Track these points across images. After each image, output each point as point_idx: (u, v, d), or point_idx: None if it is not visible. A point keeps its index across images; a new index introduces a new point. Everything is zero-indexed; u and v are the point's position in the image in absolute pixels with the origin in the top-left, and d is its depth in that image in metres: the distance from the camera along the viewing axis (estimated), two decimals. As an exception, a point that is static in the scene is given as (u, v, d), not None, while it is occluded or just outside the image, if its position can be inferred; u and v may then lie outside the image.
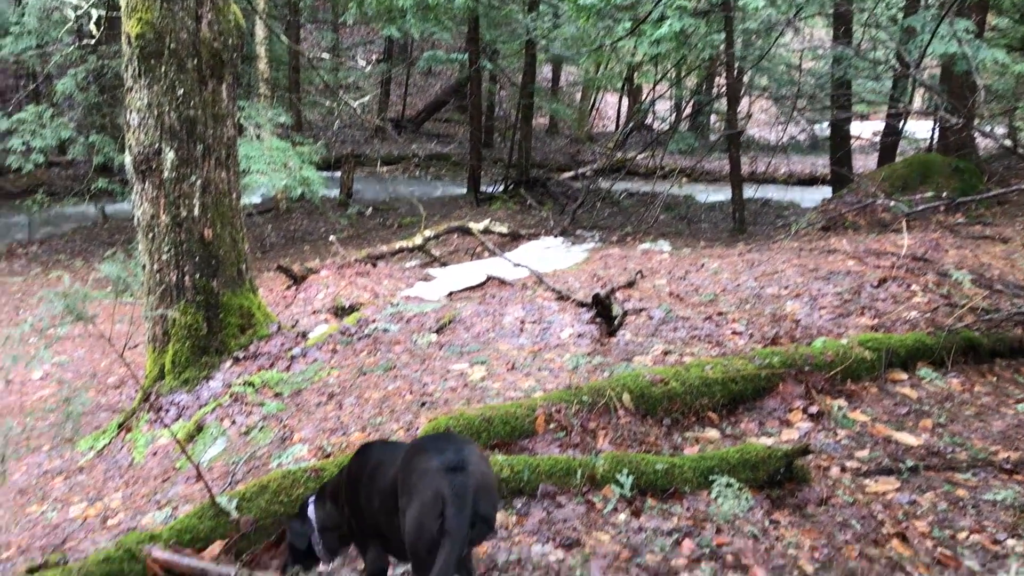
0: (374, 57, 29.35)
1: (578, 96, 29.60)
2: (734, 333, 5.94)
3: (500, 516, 3.78)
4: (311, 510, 3.40)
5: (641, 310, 6.51)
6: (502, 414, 4.41)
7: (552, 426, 4.40)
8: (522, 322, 6.51)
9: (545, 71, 27.79)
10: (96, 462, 6.24)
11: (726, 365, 4.94)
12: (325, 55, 20.68)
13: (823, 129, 19.95)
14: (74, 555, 4.43)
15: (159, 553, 3.54)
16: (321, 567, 3.51)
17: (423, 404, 5.22)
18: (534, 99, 18.23)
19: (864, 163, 18.75)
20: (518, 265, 8.83)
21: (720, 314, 6.39)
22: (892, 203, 9.05)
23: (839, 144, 14.90)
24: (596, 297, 6.16)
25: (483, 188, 18.25)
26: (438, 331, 6.72)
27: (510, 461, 3.96)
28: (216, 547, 3.64)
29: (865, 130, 18.59)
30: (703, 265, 8.23)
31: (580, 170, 18.67)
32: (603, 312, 6.18)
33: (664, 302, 6.76)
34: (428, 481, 2.75)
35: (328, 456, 4.71)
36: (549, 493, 3.86)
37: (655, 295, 7.06)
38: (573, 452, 4.23)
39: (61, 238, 16.41)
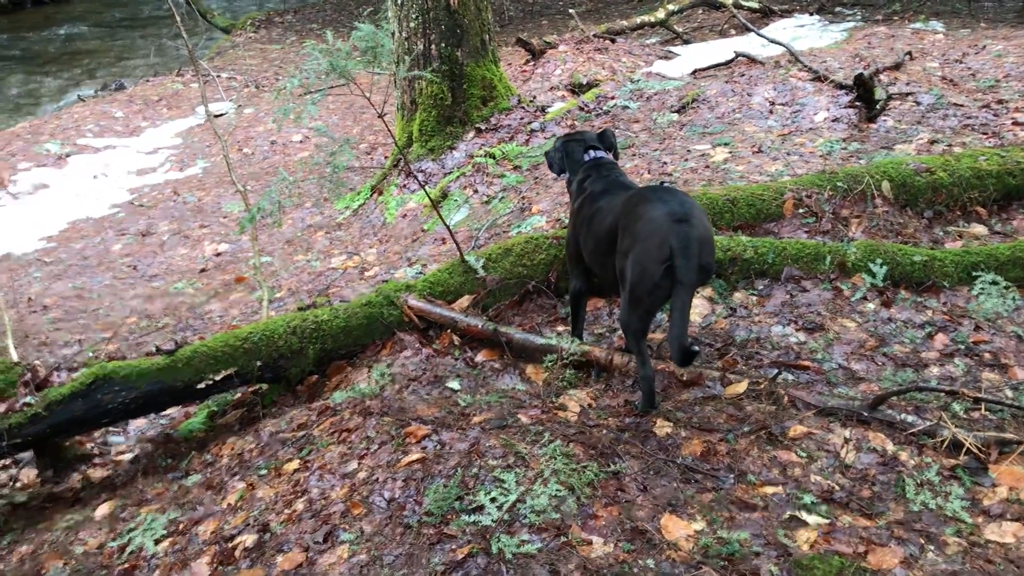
0: None
1: None
2: (1016, 124, 5.30)
3: (740, 296, 3.73)
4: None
5: (907, 95, 5.93)
6: (747, 196, 4.25)
7: (801, 211, 4.20)
8: (771, 103, 6.14)
9: None
10: (352, 220, 6.73)
11: (1004, 157, 4.45)
12: None
13: None
14: (336, 299, 4.88)
15: (414, 301, 3.81)
16: None
17: (662, 183, 5.12)
18: None
19: None
20: (770, 42, 8.20)
21: (1000, 102, 5.70)
22: None
23: None
24: (858, 78, 5.65)
25: (733, -40, 16.87)
26: (679, 110, 6.48)
27: (754, 243, 3.85)
28: (465, 300, 3.86)
29: None
30: (984, 47, 7.30)
31: (845, -60, 16.76)
32: (864, 95, 5.68)
33: (935, 87, 6.11)
34: (654, 228, 2.84)
35: (566, 227, 4.79)
36: (794, 277, 3.74)
37: (924, 79, 6.39)
38: (822, 239, 4.05)
39: (313, 7, 17.01)
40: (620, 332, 3.61)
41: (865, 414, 2.88)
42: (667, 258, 2.76)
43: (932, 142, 5.10)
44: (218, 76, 11.77)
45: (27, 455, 3.69)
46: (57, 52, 15.57)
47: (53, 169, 9.11)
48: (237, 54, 13.77)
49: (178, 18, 4.27)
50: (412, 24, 6.44)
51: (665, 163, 5.49)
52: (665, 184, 4.97)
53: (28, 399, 3.38)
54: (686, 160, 5.44)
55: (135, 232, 7.38)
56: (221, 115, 10.34)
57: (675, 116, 6.35)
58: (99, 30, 16.96)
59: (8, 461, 3.73)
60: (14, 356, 3.84)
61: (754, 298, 3.71)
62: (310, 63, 3.46)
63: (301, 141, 9.27)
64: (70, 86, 13.40)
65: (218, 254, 6.77)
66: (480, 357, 3.63)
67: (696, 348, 2.79)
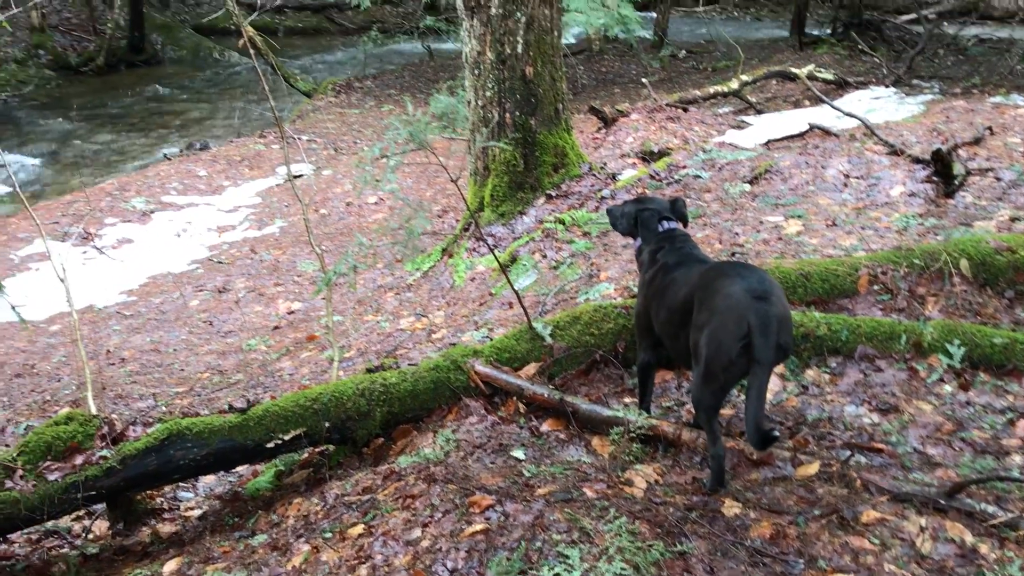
0: None
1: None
2: (1103, 203, 5.17)
3: (812, 373, 3.67)
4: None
5: (987, 170, 5.82)
6: (821, 270, 4.20)
7: (876, 288, 4.13)
8: (846, 176, 6.08)
9: (891, -103, 24.67)
10: (422, 282, 6.82)
11: (1091, 238, 4.32)
12: None
13: None
14: (404, 361, 4.92)
15: (481, 367, 3.83)
16: None
17: (733, 254, 5.10)
18: (876, -70, 16.32)
19: None
20: (845, 114, 8.17)
21: (1087, 180, 5.57)
22: None
23: None
24: (936, 153, 5.58)
25: (807, 31, 16.91)
26: (752, 181, 6.46)
27: (827, 319, 3.79)
28: (531, 368, 3.86)
29: None
30: (1068, 123, 7.16)
31: (923, 12, 16.67)
32: (941, 170, 5.59)
33: (1016, 163, 5.99)
34: (733, 304, 2.82)
35: (634, 296, 4.79)
36: (867, 356, 3.66)
37: (1006, 154, 6.27)
38: (897, 316, 3.96)
39: (391, 73, 17.51)
40: (689, 406, 3.57)
41: (942, 502, 2.78)
42: (745, 335, 2.74)
43: (1013, 219, 4.98)
44: (299, 139, 12.15)
45: (100, 507, 3.77)
46: (146, 112, 16.28)
47: (137, 225, 9.47)
48: (317, 117, 14.21)
49: (265, 83, 4.44)
50: (488, 93, 6.58)
51: (737, 234, 5.46)
52: (737, 257, 4.96)
53: (104, 452, 3.47)
54: (758, 231, 5.41)
55: (212, 288, 7.59)
56: (300, 176, 10.65)
57: (747, 186, 6.33)
58: (187, 92, 17.71)
59: (82, 512, 3.82)
60: (93, 409, 3.96)
61: (827, 376, 3.64)
62: (391, 133, 3.56)
63: (376, 203, 9.48)
64: (157, 145, 13.97)
65: (291, 312, 6.92)
66: (545, 427, 3.62)
67: (776, 433, 2.75)
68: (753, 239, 5.30)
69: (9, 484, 3.39)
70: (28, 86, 16.43)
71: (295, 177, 10.44)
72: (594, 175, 7.03)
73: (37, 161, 13.22)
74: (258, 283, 7.62)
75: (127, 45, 19.71)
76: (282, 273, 7.82)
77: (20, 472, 3.41)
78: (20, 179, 11.09)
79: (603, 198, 6.63)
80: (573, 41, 17.99)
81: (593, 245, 5.96)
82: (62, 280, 3.93)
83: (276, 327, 6.62)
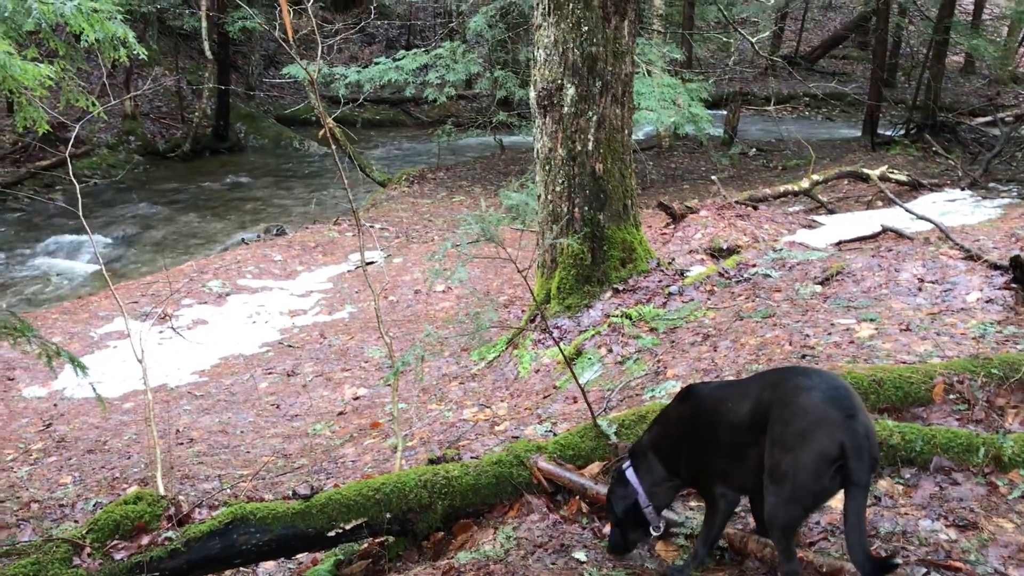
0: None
1: (1004, 31, 26.07)
2: None
3: (885, 484, 3.55)
4: (630, 474, 3.30)
5: (1069, 278, 5.67)
6: (894, 377, 4.11)
7: (951, 397, 4.01)
8: (920, 280, 5.98)
9: (965, 2, 24.84)
10: (486, 372, 6.85)
11: None
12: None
13: None
14: (466, 452, 4.91)
15: (544, 464, 3.80)
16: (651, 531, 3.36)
17: (803, 356, 5.02)
18: (949, 34, 16.37)
19: None
20: (919, 217, 8.08)
21: None
22: None
23: None
24: (1015, 259, 5.47)
25: (880, 131, 16.90)
26: (823, 282, 6.39)
27: (901, 428, 3.69)
28: (595, 467, 3.83)
29: None
30: None
31: (999, 115, 16.55)
32: (1021, 277, 5.47)
33: (1100, 271, 5.83)
34: (822, 423, 2.70)
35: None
36: (943, 468, 3.54)
37: (1088, 262, 6.11)
38: (974, 428, 3.83)
39: (463, 165, 17.95)
40: (749, 506, 3.46)
41: (1027, 629, 2.64)
42: (838, 458, 2.64)
43: (1099, 330, 4.82)
44: (372, 227, 12.46)
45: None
46: (227, 197, 16.92)
47: (213, 307, 9.74)
48: (390, 206, 14.59)
49: (344, 175, 4.60)
50: (558, 188, 6.70)
51: (808, 335, 5.38)
52: (808, 360, 4.88)
53: (169, 533, 3.52)
54: (829, 334, 5.32)
55: (281, 371, 7.73)
56: (372, 263, 10.88)
57: (819, 288, 6.26)
58: (266, 179, 18.38)
59: (143, 592, 3.84)
60: (161, 489, 4.03)
61: (900, 487, 3.52)
62: (463, 227, 3.64)
63: (443, 292, 9.61)
64: (236, 229, 14.47)
65: (356, 398, 6.99)
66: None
67: (897, 560, 2.64)
68: (824, 342, 5.21)
69: (77, 561, 3.44)
70: (117, 170, 17.23)
71: (367, 264, 10.68)
72: (662, 270, 7.04)
73: (121, 242, 13.78)
74: (326, 368, 7.74)
75: (212, 133, 20.64)
76: (350, 358, 7.93)
77: (88, 550, 3.47)
78: (104, 259, 11.55)
79: (671, 294, 6.63)
80: (642, 137, 18.26)
81: (660, 341, 5.93)
82: (140, 361, 4.06)
83: (341, 412, 6.69)
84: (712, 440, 3.09)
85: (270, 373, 7.72)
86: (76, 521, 4.94)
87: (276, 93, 24.64)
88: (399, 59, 14.42)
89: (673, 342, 5.85)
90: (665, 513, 3.43)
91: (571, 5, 6.36)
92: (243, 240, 13.30)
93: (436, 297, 9.50)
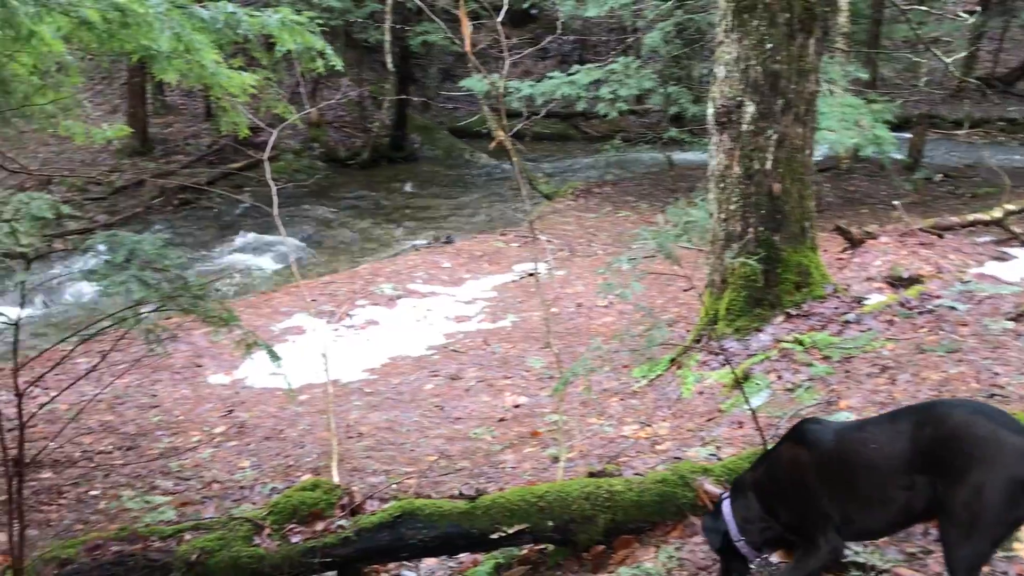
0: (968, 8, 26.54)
1: None
2: None
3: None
4: (725, 506, 3.24)
5: None
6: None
7: None
8: None
9: None
10: (647, 390, 6.78)
11: None
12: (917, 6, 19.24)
13: None
14: (626, 469, 4.89)
15: (710, 487, 3.74)
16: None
17: (991, 396, 4.71)
18: None
19: None
20: None
21: None
22: None
23: None
24: None
25: (1084, 160, 15.63)
26: (1016, 318, 5.97)
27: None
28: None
29: None
30: None
31: None
32: None
33: None
34: (1008, 449, 2.59)
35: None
36: None
37: None
38: None
39: (630, 180, 17.86)
40: (936, 553, 3.27)
41: None
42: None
43: None
44: (538, 239, 12.61)
45: (331, 575, 3.97)
46: (401, 204, 17.54)
47: (384, 308, 10.12)
48: (556, 219, 14.71)
49: (523, 187, 4.69)
50: (732, 207, 6.57)
51: (997, 374, 5.05)
52: (997, 400, 4.58)
53: (342, 521, 3.68)
54: (1022, 374, 4.97)
55: (445, 375, 7.93)
56: (535, 274, 11.00)
57: (1011, 324, 5.86)
58: (438, 188, 18.94)
59: (313, 576, 4.03)
60: (336, 479, 4.22)
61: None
62: (639, 241, 3.64)
63: (605, 306, 9.59)
64: (407, 236, 14.97)
65: (517, 406, 7.08)
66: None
67: None
68: (1015, 381, 4.88)
69: (257, 540, 3.66)
70: (301, 174, 18.21)
71: (530, 275, 10.81)
72: (838, 297, 6.77)
73: (302, 243, 14.54)
74: (488, 374, 7.88)
75: (389, 143, 21.46)
76: (511, 366, 8.04)
77: (268, 531, 3.68)
78: (288, 259, 12.20)
79: (847, 322, 6.36)
80: (819, 158, 17.60)
81: (834, 371, 5.70)
82: (324, 356, 4.28)
83: (502, 419, 6.79)
84: (840, 485, 2.96)
85: (435, 375, 7.94)
86: (253, 503, 5.24)
87: (451, 105, 25.34)
88: (572, 73, 14.52)
89: (848, 372, 5.61)
90: None
91: (755, 22, 6.24)
92: (414, 246, 13.75)
93: (598, 311, 9.49)
